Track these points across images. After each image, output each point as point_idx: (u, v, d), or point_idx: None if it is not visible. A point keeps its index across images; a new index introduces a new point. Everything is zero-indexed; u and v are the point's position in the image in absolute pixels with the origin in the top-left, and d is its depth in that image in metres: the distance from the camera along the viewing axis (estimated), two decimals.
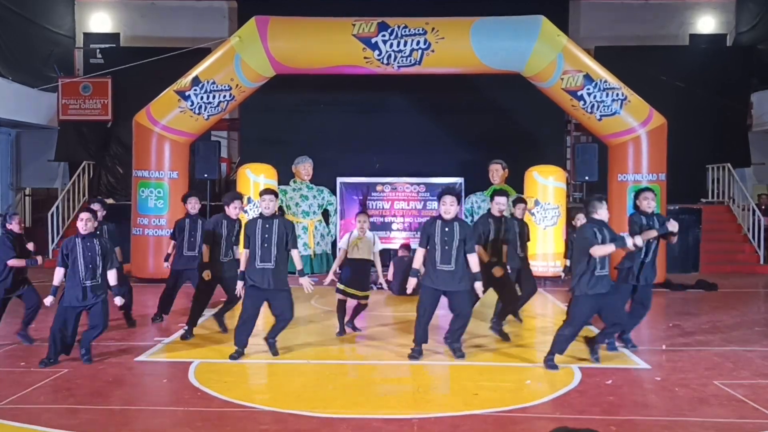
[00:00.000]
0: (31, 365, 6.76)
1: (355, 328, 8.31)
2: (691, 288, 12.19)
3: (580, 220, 8.61)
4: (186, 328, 8.00)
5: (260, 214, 7.08)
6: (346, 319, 8.19)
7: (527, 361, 7.05)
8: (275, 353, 7.14)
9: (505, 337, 7.89)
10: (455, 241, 6.81)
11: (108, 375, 6.46)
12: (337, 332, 8.17)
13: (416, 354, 7.03)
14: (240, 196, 8.27)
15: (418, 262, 7.02)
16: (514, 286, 8.31)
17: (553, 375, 6.56)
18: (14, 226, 7.62)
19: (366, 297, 8.04)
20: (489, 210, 8.10)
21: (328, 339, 8.04)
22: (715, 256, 14.64)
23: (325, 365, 6.86)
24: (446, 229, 6.85)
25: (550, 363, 6.69)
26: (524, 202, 9.05)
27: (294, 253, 7.08)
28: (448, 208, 6.85)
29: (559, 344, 6.71)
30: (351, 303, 8.15)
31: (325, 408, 5.51)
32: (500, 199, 8.00)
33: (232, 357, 7.02)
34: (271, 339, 7.21)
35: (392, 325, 8.51)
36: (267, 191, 7.08)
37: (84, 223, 6.74)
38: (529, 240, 8.73)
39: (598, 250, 6.45)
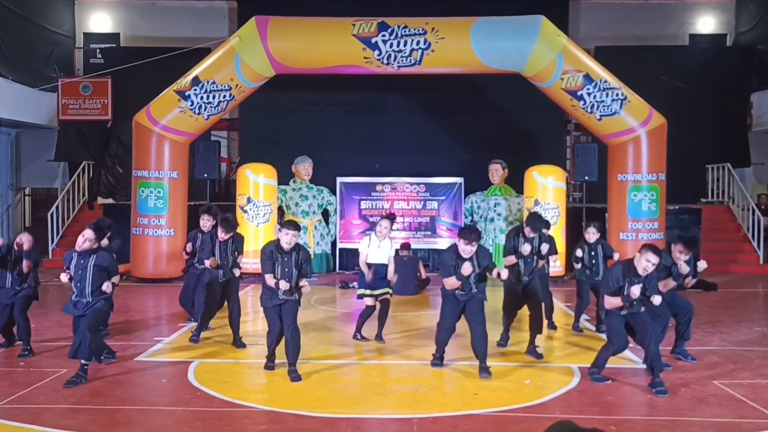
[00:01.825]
0: (31, 365, 6.77)
1: (381, 338, 7.86)
2: (690, 288, 12.14)
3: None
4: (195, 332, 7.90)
5: (278, 244, 6.54)
6: (375, 332, 7.91)
7: (527, 361, 7.05)
8: (295, 379, 6.38)
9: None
10: (476, 270, 6.59)
11: (108, 375, 6.46)
12: (353, 334, 7.97)
13: (438, 361, 6.82)
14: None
15: (456, 283, 6.59)
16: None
17: (552, 375, 6.57)
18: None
19: (388, 292, 7.86)
20: (523, 228, 7.79)
21: (328, 339, 8.04)
22: (714, 256, 14.52)
23: (325, 365, 6.85)
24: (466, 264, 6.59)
25: (596, 376, 6.35)
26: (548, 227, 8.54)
27: (304, 281, 6.57)
28: (470, 248, 6.53)
29: (601, 360, 6.41)
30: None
31: (325, 408, 5.52)
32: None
33: (268, 367, 6.69)
34: (291, 366, 6.50)
35: (392, 325, 8.50)
36: (291, 224, 6.54)
37: (83, 241, 6.33)
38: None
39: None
